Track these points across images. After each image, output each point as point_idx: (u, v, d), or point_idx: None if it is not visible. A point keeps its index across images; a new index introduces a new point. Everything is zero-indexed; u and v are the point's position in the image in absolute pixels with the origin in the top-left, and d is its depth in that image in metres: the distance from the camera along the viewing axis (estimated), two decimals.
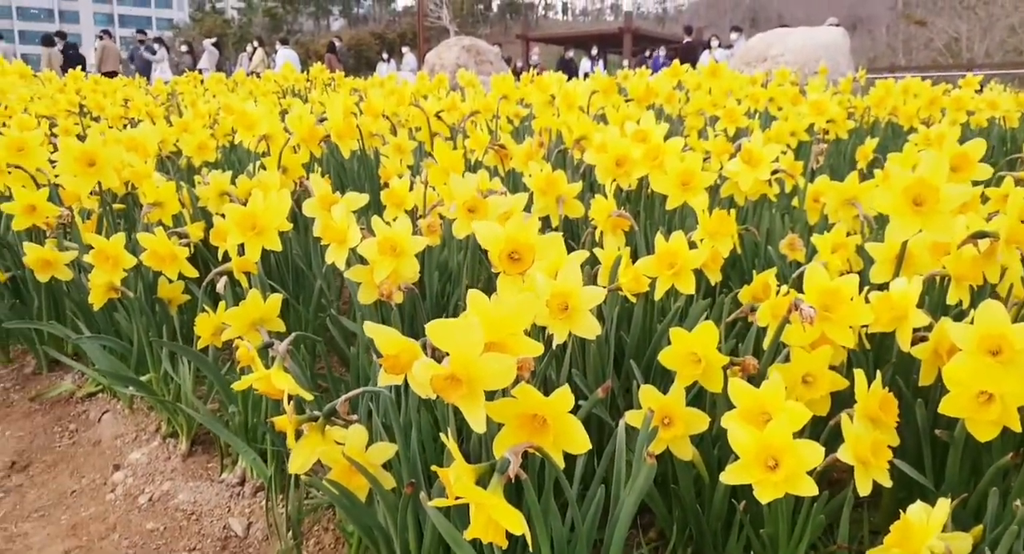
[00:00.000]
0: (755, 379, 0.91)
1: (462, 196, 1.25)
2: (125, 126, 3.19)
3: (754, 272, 1.23)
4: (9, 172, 1.69)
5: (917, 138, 2.02)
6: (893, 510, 0.76)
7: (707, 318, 1.16)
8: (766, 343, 0.98)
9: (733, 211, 1.36)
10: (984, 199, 1.34)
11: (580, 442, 0.72)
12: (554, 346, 0.93)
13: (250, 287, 1.29)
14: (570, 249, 0.97)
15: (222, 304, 1.22)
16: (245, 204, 1.28)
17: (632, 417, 0.90)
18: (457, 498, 0.65)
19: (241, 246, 1.27)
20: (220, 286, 1.30)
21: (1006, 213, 1.02)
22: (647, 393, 0.90)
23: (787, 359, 0.93)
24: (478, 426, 0.69)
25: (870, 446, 0.79)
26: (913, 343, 0.93)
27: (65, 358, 1.73)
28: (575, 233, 1.77)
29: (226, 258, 1.34)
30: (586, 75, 8.97)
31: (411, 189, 1.51)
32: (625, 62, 13.48)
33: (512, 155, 1.92)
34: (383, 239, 1.10)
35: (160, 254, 1.39)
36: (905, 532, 0.69)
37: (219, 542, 1.20)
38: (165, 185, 1.65)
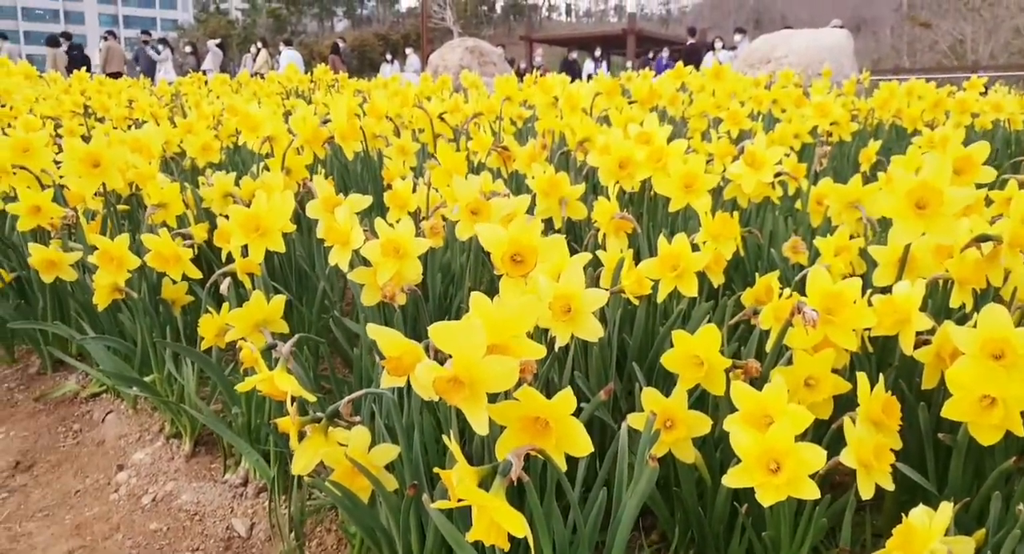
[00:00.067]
0: (757, 382, 0.91)
1: (465, 198, 1.25)
2: (129, 127, 3.20)
3: (757, 275, 1.23)
4: (14, 173, 1.70)
5: (921, 141, 2.02)
6: (895, 514, 0.75)
7: (710, 321, 1.15)
8: (769, 346, 0.98)
9: (736, 213, 1.36)
10: (988, 202, 1.34)
11: (582, 444, 0.72)
12: (556, 348, 0.93)
13: (253, 288, 1.29)
14: (573, 251, 0.97)
15: (226, 305, 1.23)
16: (249, 205, 1.28)
17: (634, 420, 0.90)
18: (459, 500, 0.65)
19: (245, 247, 1.27)
20: (224, 287, 1.31)
21: (1010, 216, 1.02)
22: (649, 396, 0.91)
23: (790, 362, 0.93)
24: (480, 428, 0.69)
25: (873, 449, 0.79)
26: (916, 346, 0.93)
27: (69, 358, 1.74)
28: (578, 235, 1.77)
29: (230, 259, 1.35)
30: (589, 77, 8.96)
31: (414, 191, 1.51)
32: (629, 64, 13.50)
33: (515, 157, 1.92)
34: (386, 241, 1.10)
35: (164, 255, 1.40)
36: (907, 536, 0.68)
37: (222, 542, 1.20)
38: (169, 186, 1.65)
